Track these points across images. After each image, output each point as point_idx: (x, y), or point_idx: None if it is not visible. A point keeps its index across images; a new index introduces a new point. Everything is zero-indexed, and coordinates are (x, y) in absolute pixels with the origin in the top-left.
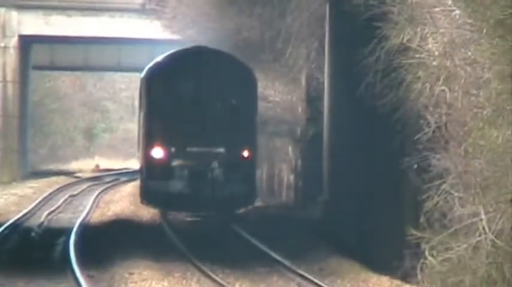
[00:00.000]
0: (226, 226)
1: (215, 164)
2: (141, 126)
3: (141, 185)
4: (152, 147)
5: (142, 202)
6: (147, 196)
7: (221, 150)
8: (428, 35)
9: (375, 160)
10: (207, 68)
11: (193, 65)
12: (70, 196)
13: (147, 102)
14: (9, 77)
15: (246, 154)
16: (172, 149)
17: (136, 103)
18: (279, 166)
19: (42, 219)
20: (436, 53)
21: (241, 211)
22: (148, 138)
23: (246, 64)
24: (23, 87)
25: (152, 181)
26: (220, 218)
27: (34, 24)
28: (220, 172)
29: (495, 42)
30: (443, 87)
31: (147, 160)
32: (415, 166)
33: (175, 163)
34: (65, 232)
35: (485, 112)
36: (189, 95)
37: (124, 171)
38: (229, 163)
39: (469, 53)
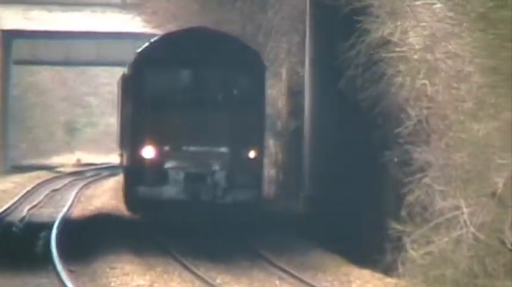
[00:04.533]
0: (208, 220)
1: (216, 166)
2: (127, 121)
3: (127, 190)
4: (141, 145)
5: (129, 209)
6: (134, 203)
7: (223, 150)
8: (409, 28)
9: (356, 154)
10: (207, 52)
11: (191, 48)
12: (52, 191)
13: (136, 92)
14: None
15: (252, 154)
16: (166, 148)
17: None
18: None
19: (23, 214)
20: (417, 46)
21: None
22: (137, 135)
23: (252, 48)
24: (4, 81)
25: (141, 185)
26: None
27: (15, 19)
28: (222, 175)
29: (476, 35)
30: (424, 81)
31: (135, 161)
32: (396, 159)
33: (169, 164)
34: (47, 226)
35: (466, 105)
36: (185, 84)
37: (105, 166)
38: (233, 165)
39: (450, 47)
